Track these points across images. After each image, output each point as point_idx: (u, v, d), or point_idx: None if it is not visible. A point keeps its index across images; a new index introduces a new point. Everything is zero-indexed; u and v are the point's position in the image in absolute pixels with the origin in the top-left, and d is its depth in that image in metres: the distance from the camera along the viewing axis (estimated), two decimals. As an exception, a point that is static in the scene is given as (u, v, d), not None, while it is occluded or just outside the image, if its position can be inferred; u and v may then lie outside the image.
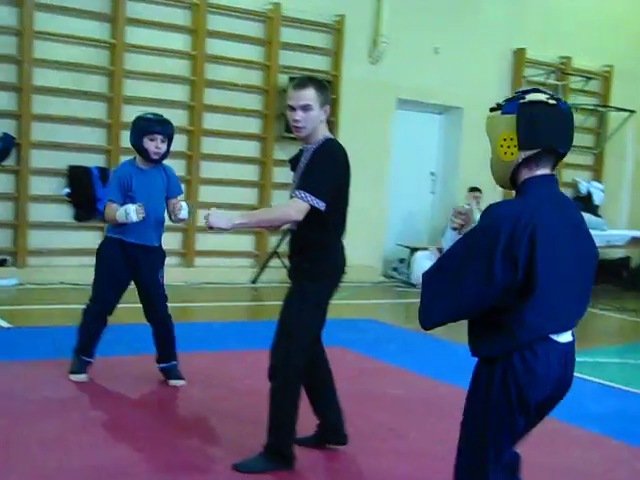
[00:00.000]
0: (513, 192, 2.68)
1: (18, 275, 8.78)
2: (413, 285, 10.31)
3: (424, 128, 11.97)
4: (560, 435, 4.77)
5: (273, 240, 10.22)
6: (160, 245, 5.26)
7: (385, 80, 10.93)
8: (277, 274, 9.41)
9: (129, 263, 5.12)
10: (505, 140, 2.58)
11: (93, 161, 9.21)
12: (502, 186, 2.70)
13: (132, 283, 5.25)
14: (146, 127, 5.01)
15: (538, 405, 2.60)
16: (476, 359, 2.68)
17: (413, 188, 11.85)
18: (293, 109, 3.84)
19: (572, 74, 12.60)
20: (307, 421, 4.15)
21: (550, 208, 2.55)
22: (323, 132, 3.93)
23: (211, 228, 3.71)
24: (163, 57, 9.62)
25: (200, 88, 9.78)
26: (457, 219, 2.86)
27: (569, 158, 12.46)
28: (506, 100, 2.64)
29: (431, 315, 2.59)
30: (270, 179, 10.31)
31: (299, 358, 3.88)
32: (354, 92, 10.65)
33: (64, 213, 9.18)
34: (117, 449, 4.20)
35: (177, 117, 9.54)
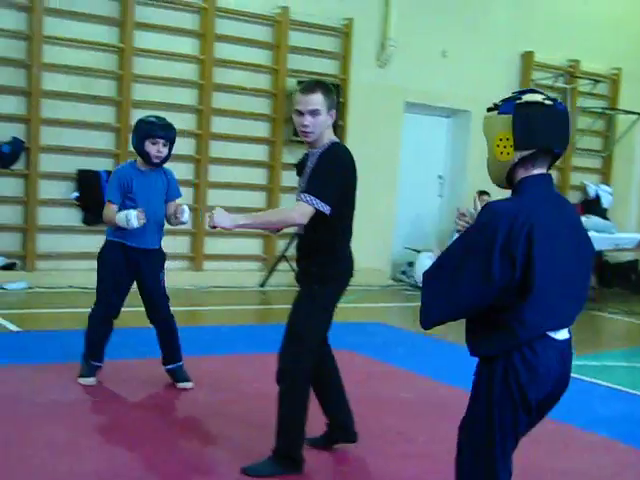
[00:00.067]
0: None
1: (27, 279, 8.81)
2: (419, 287, 10.28)
3: (432, 131, 11.96)
4: (568, 439, 4.77)
5: (281, 244, 10.23)
6: (160, 247, 5.28)
7: (393, 84, 10.94)
8: (285, 278, 9.42)
9: (131, 266, 5.14)
10: (501, 140, 2.60)
11: (102, 165, 9.24)
12: (498, 185, 2.73)
13: (133, 285, 5.28)
14: (148, 131, 5.02)
15: (539, 403, 2.61)
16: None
17: (421, 191, 11.84)
18: (301, 114, 3.84)
19: (580, 77, 12.58)
20: (317, 421, 4.15)
21: (547, 207, 2.57)
22: (329, 136, 3.93)
23: (214, 227, 3.73)
24: (171, 61, 9.65)
25: (208, 92, 9.80)
26: (460, 221, 2.86)
27: (577, 161, 12.42)
28: (503, 100, 2.66)
29: (430, 314, 2.61)
30: (278, 183, 10.32)
31: (307, 361, 3.88)
32: (362, 96, 10.66)
33: (73, 217, 9.21)
34: (126, 452, 4.20)
35: (185, 121, 9.61)
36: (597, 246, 11.84)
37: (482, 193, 9.96)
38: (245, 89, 10.07)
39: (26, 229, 8.99)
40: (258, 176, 10.39)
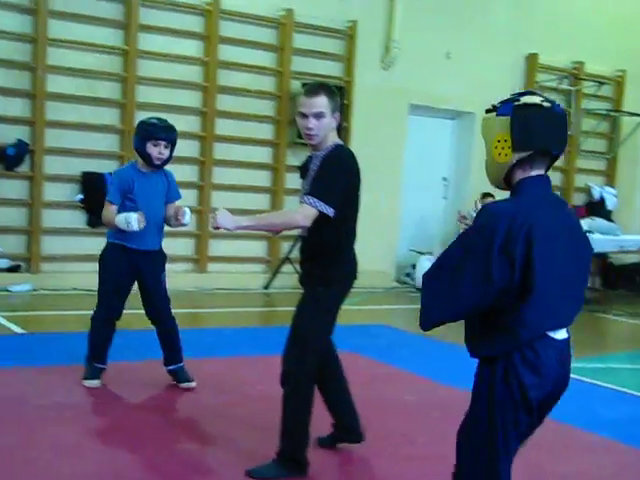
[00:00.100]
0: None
1: (32, 281, 8.83)
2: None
3: (436, 133, 11.96)
4: (573, 441, 4.77)
5: (285, 246, 10.23)
6: (161, 248, 5.29)
7: (397, 86, 10.94)
8: (289, 280, 9.42)
9: (132, 268, 5.15)
10: (499, 141, 2.61)
11: (106, 167, 9.25)
12: (496, 186, 2.74)
13: (134, 287, 5.29)
14: (150, 132, 5.03)
15: (540, 403, 2.61)
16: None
17: (425, 193, 11.84)
18: (305, 116, 3.84)
19: (585, 79, 12.57)
20: (324, 422, 4.15)
21: (545, 208, 2.58)
22: (333, 139, 3.93)
23: (217, 228, 3.73)
24: (175, 63, 9.66)
25: (212, 94, 9.81)
26: (462, 224, 2.87)
27: (582, 163, 12.38)
28: (501, 102, 2.66)
29: (430, 316, 2.62)
30: (282, 185, 10.32)
31: (311, 364, 3.88)
32: (366, 98, 10.67)
33: (77, 219, 9.23)
34: (129, 454, 4.20)
35: (189, 123, 9.63)
36: (601, 248, 11.87)
37: (486, 195, 9.97)
38: (249, 91, 10.08)
39: (31, 231, 9.00)
40: (262, 178, 10.39)
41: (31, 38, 8.83)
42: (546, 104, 2.59)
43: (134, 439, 4.41)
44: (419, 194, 11.61)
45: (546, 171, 2.67)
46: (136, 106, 9.28)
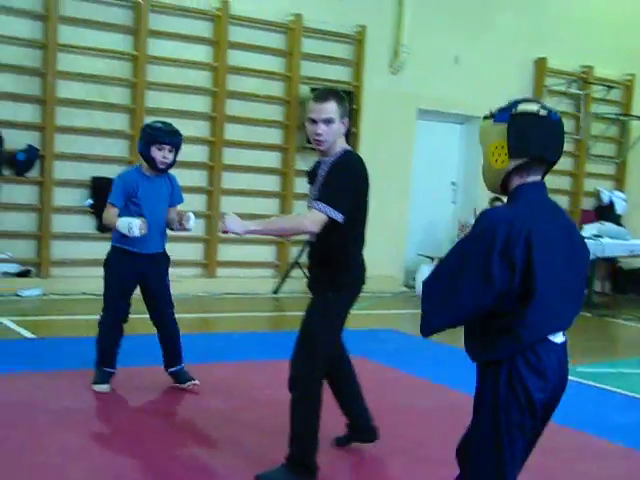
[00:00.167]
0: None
1: (42, 286, 8.86)
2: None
3: (445, 138, 11.95)
4: (586, 447, 4.75)
5: (294, 250, 10.24)
6: (164, 251, 5.32)
7: (406, 90, 10.95)
8: (298, 284, 9.42)
9: (136, 271, 5.17)
10: (496, 148, 2.65)
11: (116, 172, 9.12)
12: (493, 192, 2.77)
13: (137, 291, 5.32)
14: (155, 136, 5.05)
15: (543, 406, 2.62)
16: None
17: (434, 198, 11.82)
18: (315, 122, 3.84)
19: (594, 83, 12.55)
20: (338, 422, 4.15)
21: (542, 213, 2.61)
22: (341, 144, 3.94)
23: (226, 232, 3.74)
24: (185, 68, 9.68)
25: (222, 99, 9.83)
26: (462, 232, 2.88)
27: (591, 167, 12.33)
28: (499, 109, 2.69)
29: (430, 322, 2.63)
30: (291, 189, 10.33)
31: (320, 368, 3.89)
32: (375, 103, 10.67)
33: (87, 224, 9.25)
34: (138, 460, 4.21)
35: (199, 128, 9.65)
36: (611, 252, 11.80)
37: (495, 200, 9.96)
38: (258, 96, 10.10)
39: (40, 236, 9.03)
40: (271, 183, 10.40)
41: (41, 44, 8.87)
42: (542, 112, 2.62)
43: (143, 444, 4.42)
44: (428, 199, 11.60)
45: (543, 177, 2.70)
46: (145, 111, 9.30)
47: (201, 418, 4.98)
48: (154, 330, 5.39)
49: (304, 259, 8.91)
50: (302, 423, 3.87)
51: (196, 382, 5.36)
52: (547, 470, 4.12)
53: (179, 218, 5.18)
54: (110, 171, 9.24)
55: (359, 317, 6.59)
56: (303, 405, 3.87)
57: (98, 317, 5.29)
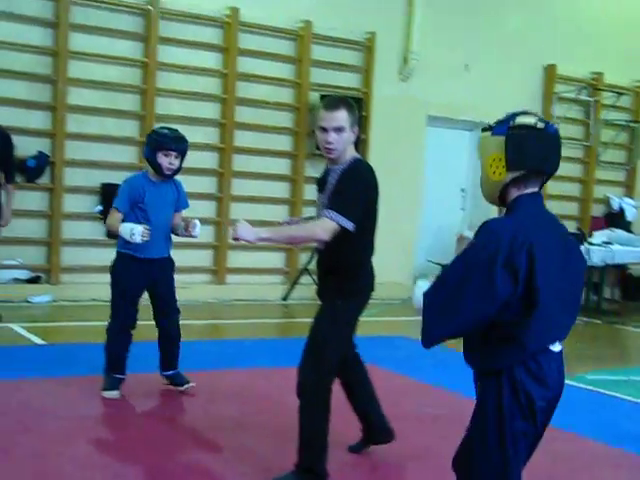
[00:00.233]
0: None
1: (52, 292, 8.88)
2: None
3: (454, 145, 11.94)
4: (597, 456, 4.71)
5: (304, 257, 10.24)
6: (169, 255, 5.34)
7: (415, 97, 10.95)
8: (308, 291, 9.41)
9: (144, 277, 5.20)
10: (494, 160, 2.67)
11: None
12: (491, 202, 2.81)
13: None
14: (161, 142, 5.07)
15: (543, 413, 2.64)
16: None
17: (444, 204, 11.82)
18: (325, 131, 3.85)
19: (604, 90, 12.53)
20: (353, 428, 4.15)
21: (541, 225, 2.63)
22: (351, 152, 3.95)
23: (237, 239, 3.74)
24: (195, 75, 9.71)
25: (231, 106, 9.85)
26: (461, 244, 2.88)
27: (601, 174, 12.29)
28: (497, 122, 2.72)
29: (431, 333, 2.64)
30: (301, 196, 10.34)
31: (328, 375, 3.89)
32: (385, 109, 10.68)
33: (97, 231, 9.26)
34: (149, 466, 4.21)
35: (208, 135, 9.67)
36: (621, 259, 11.75)
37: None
38: (268, 103, 10.12)
39: (51, 243, 9.06)
40: (281, 189, 10.42)
41: (52, 51, 8.91)
42: (540, 125, 2.64)
43: (153, 450, 4.42)
44: (437, 205, 11.59)
45: (540, 188, 2.72)
46: (155, 118, 9.33)
47: (211, 424, 4.97)
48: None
49: (313, 266, 8.91)
50: (310, 430, 3.86)
51: (192, 384, 5.37)
52: (553, 476, 4.10)
53: (185, 225, 5.20)
54: (120, 178, 9.16)
55: (368, 324, 6.54)
56: (311, 412, 3.86)
57: (106, 324, 5.30)
